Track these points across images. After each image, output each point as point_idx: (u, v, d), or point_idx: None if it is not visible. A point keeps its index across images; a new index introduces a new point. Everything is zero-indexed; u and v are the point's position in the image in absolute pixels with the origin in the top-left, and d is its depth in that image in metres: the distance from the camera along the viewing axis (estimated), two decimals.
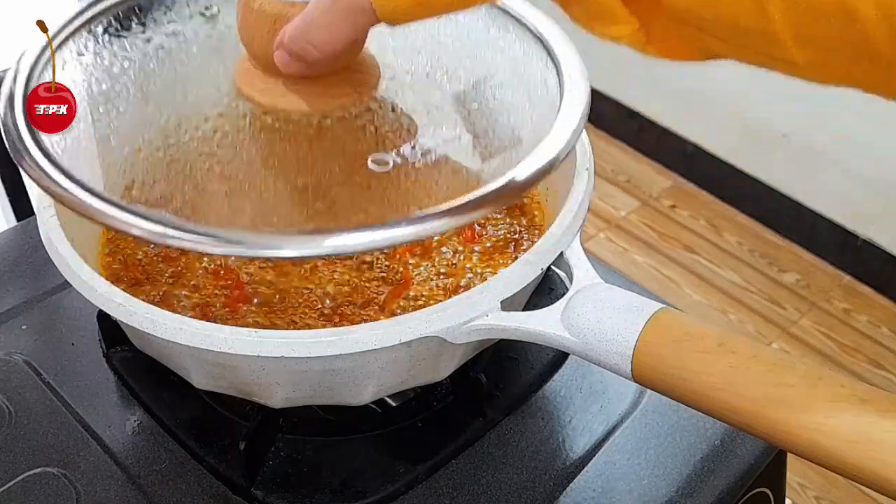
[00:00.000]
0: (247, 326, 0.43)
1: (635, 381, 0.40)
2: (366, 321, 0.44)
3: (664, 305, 0.40)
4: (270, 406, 0.46)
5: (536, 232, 0.54)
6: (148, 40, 0.50)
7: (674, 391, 0.39)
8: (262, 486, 0.48)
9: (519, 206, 0.56)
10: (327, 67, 0.42)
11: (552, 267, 0.45)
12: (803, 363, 0.37)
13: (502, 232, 0.54)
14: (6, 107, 0.43)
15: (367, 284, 0.50)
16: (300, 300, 0.49)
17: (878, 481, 0.34)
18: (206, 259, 0.51)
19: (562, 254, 0.45)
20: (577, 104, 0.44)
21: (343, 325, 0.45)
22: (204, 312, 0.48)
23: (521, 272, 0.43)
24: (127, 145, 0.48)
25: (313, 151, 0.45)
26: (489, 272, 0.51)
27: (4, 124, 0.43)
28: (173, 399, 0.51)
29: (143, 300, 0.43)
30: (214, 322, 0.42)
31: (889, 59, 0.30)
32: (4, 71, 0.45)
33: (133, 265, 0.51)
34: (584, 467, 0.50)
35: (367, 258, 0.51)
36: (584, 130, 0.51)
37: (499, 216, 0.55)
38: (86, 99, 0.47)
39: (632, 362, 0.39)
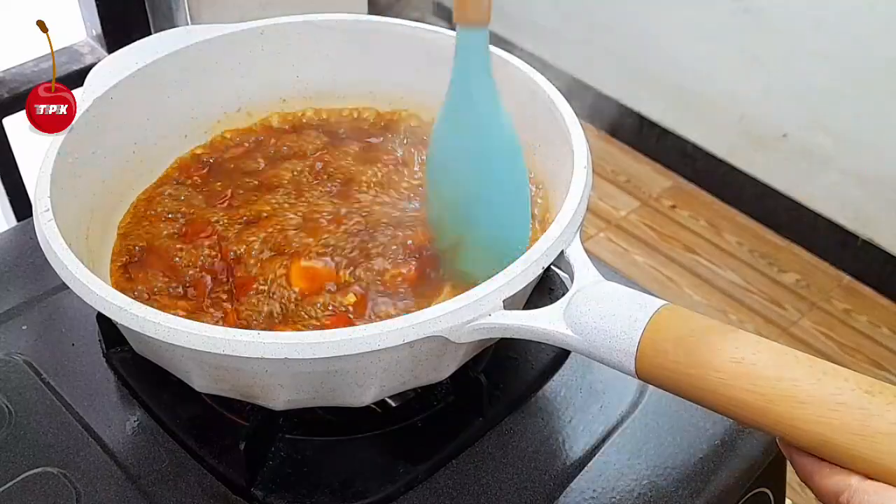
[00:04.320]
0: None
1: (639, 378, 0.40)
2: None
3: (667, 302, 0.40)
4: (272, 408, 0.46)
5: (536, 232, 0.54)
6: None
7: (678, 387, 0.39)
8: (262, 486, 0.48)
9: None
10: None
11: (552, 266, 0.45)
12: (808, 358, 0.37)
13: None
14: None
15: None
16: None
17: (886, 475, 0.34)
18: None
19: (562, 252, 0.45)
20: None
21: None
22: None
23: (524, 271, 0.43)
24: None
25: None
26: None
27: None
28: (173, 399, 0.51)
29: (146, 300, 0.43)
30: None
31: None
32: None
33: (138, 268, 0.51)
34: (584, 467, 0.50)
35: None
36: (581, 128, 0.51)
37: None
38: None
39: (636, 359, 0.39)
